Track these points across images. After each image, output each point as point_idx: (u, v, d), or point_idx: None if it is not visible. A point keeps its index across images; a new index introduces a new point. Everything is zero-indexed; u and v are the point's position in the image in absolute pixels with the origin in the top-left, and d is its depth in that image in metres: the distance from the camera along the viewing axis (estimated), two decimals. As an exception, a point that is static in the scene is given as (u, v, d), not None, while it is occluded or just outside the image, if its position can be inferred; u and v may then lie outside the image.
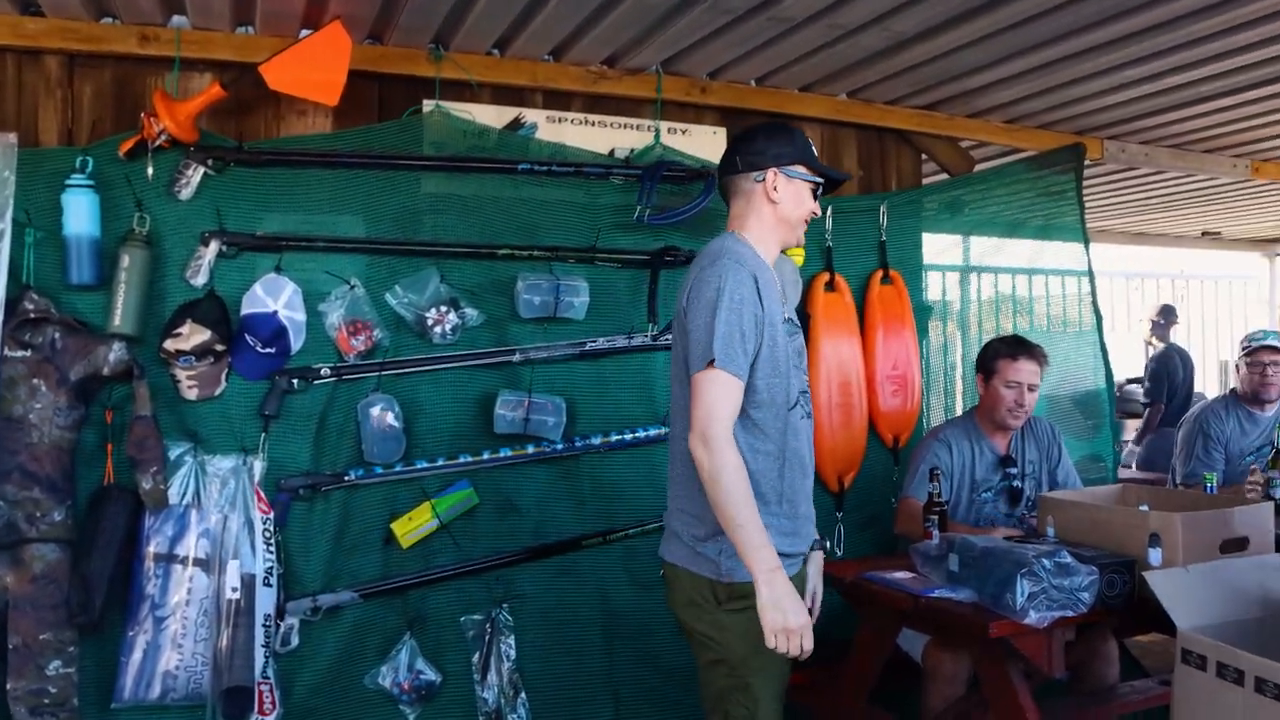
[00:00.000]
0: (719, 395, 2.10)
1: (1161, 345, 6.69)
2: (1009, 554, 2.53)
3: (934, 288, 4.53)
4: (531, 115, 3.52)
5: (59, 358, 2.82)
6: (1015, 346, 3.46)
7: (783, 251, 2.40)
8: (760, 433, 2.19)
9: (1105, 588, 2.53)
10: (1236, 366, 4.13)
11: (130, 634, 2.89)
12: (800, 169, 2.32)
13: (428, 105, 3.34)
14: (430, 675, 3.16)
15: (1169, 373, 6.43)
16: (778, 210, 2.31)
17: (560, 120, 3.55)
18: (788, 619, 2.03)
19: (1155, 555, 2.60)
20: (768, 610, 2.04)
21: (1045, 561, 2.45)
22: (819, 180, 2.35)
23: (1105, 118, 4.34)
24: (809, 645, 2.06)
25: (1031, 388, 3.40)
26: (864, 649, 2.98)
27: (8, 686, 2.75)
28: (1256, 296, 9.16)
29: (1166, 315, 6.80)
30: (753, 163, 2.31)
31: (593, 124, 3.59)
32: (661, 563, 2.31)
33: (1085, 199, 4.38)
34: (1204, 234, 8.24)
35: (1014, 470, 3.45)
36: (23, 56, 3.04)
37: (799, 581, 2.31)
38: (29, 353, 2.81)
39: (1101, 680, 3.16)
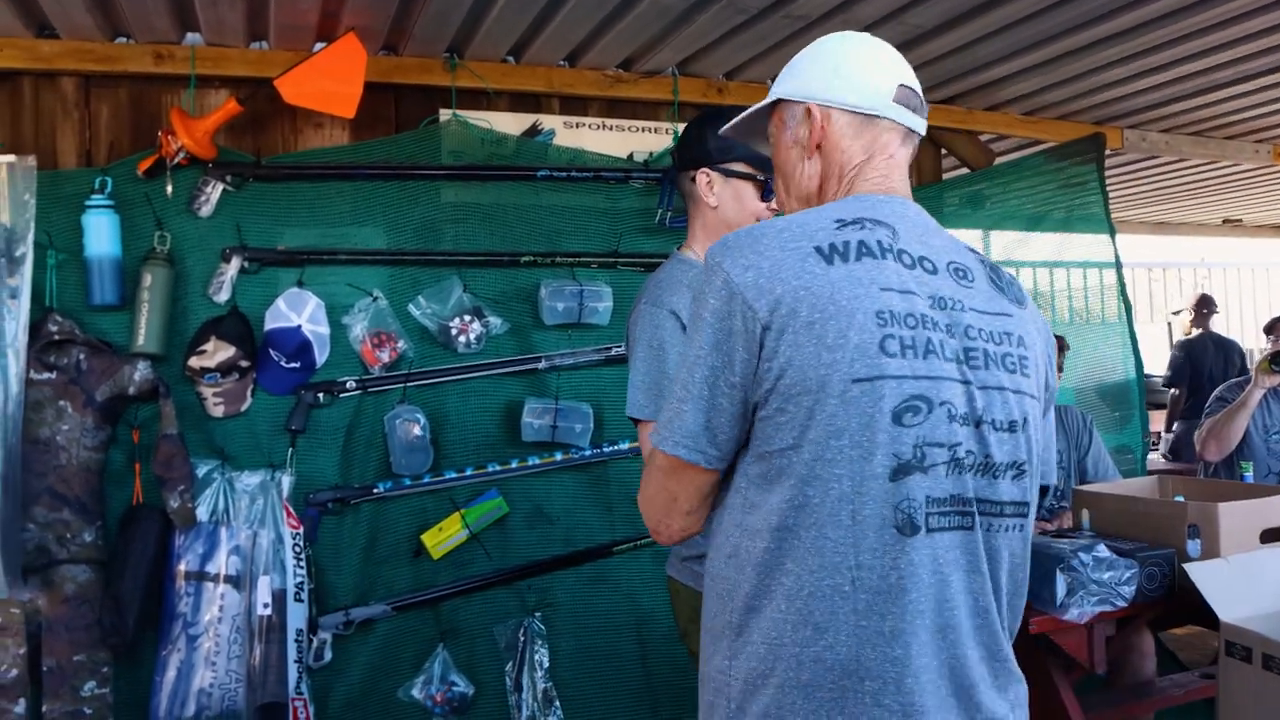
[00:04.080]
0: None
1: (1198, 331, 6.66)
2: (1046, 549, 2.49)
3: (958, 283, 4.48)
4: (549, 121, 3.51)
5: (84, 379, 2.83)
6: None
7: None
8: None
9: (1144, 581, 2.49)
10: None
11: (164, 653, 2.89)
12: (739, 165, 2.02)
13: (445, 115, 3.33)
14: (463, 687, 3.15)
15: (1192, 359, 6.37)
16: (718, 214, 2.06)
17: (578, 125, 3.55)
18: None
19: (1194, 547, 2.56)
20: None
21: (1083, 556, 2.41)
22: (764, 177, 2.03)
23: (1124, 106, 4.30)
24: None
25: (1060, 368, 3.39)
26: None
27: (43, 709, 2.74)
28: (1279, 283, 9.08)
29: (1205, 305, 6.86)
30: (688, 159, 2.06)
31: (610, 128, 3.58)
32: (666, 576, 2.25)
33: (1106, 189, 4.33)
34: (1225, 221, 8.16)
35: (1041, 461, 3.41)
36: (39, 79, 3.05)
37: None
38: (54, 375, 2.81)
39: (1139, 674, 3.12)
